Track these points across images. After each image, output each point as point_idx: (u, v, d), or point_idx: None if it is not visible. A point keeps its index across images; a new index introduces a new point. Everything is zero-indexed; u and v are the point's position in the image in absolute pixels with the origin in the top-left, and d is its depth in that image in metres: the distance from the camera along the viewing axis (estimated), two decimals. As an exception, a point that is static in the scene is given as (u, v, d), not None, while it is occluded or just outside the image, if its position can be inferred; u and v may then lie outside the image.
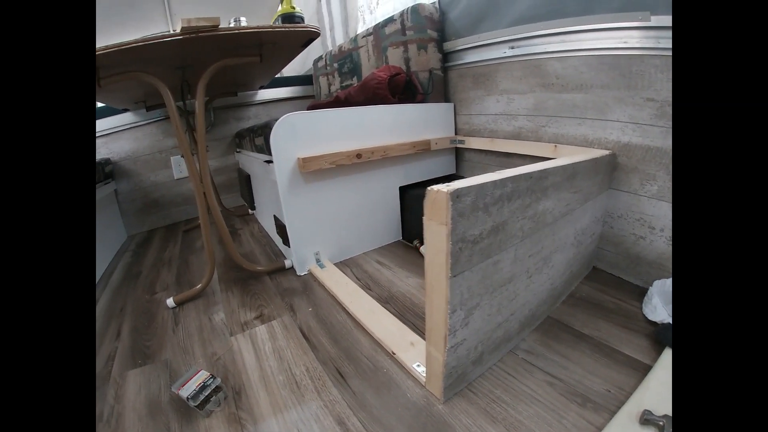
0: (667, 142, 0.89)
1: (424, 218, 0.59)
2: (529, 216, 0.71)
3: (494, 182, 0.60)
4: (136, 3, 1.98)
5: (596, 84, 0.99)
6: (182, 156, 1.16)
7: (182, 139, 1.04)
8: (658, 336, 0.79)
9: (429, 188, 0.56)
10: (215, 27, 0.85)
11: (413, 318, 0.96)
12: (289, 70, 1.89)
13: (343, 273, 1.21)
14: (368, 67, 1.63)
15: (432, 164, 1.49)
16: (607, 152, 0.96)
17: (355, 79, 1.76)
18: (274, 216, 1.42)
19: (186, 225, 2.07)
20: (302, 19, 1.27)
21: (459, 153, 1.57)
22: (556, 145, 1.10)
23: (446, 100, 1.49)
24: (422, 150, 1.36)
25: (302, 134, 1.14)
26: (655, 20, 0.85)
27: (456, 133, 1.52)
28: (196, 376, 0.71)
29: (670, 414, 0.59)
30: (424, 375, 0.74)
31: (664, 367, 0.70)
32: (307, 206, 1.21)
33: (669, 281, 0.87)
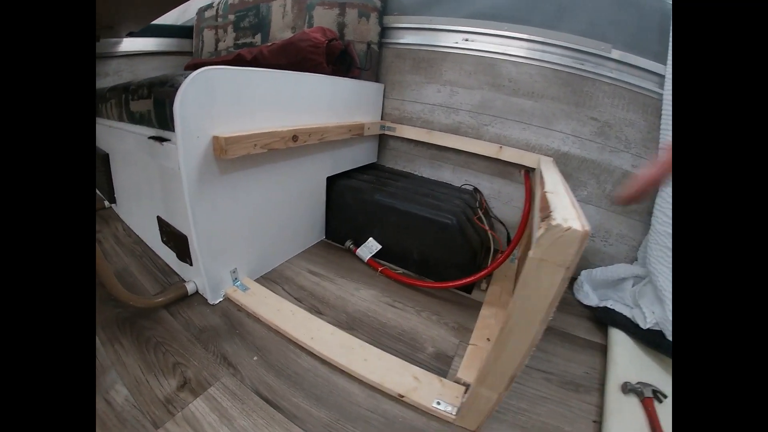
0: (601, 157, 1.05)
1: (533, 255, 0.47)
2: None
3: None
4: None
5: (547, 95, 1.07)
6: None
7: None
8: (598, 318, 0.97)
9: (553, 223, 0.44)
10: None
11: (392, 342, 0.82)
12: (163, 18, 1.36)
13: (276, 294, 0.92)
14: (281, 26, 1.26)
15: (358, 152, 1.30)
16: (551, 159, 1.05)
17: (258, 37, 1.33)
18: (159, 219, 0.94)
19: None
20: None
21: (382, 140, 1.43)
22: (501, 147, 1.13)
23: (377, 79, 1.31)
24: (356, 135, 1.16)
25: (223, 101, 0.77)
26: (614, 54, 0.97)
27: (382, 118, 1.37)
28: None
29: (642, 380, 0.75)
30: (452, 412, 0.66)
31: (616, 343, 0.87)
32: (223, 207, 0.84)
33: (594, 270, 1.05)
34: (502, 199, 1.21)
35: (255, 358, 0.74)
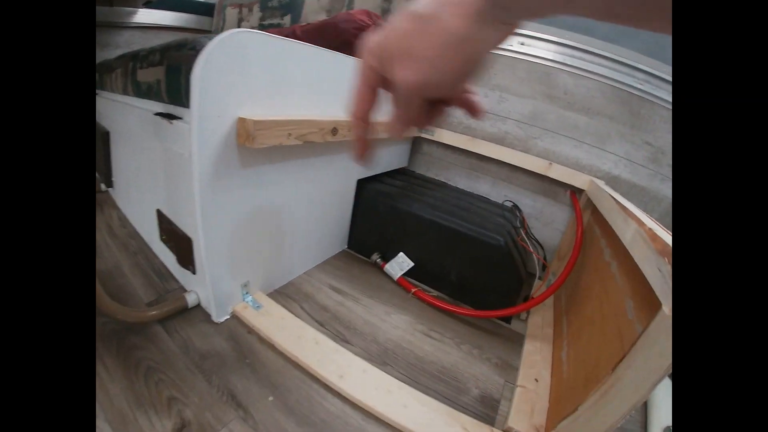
0: (651, 184, 0.98)
1: (667, 308, 0.38)
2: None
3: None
4: None
5: (604, 112, 0.98)
6: None
7: None
8: None
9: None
10: None
11: (432, 382, 0.70)
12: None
13: (294, 314, 0.77)
14: (315, 8, 1.12)
15: (391, 154, 1.18)
16: (602, 182, 0.96)
17: (287, 18, 1.19)
18: (159, 213, 0.78)
19: None
20: None
21: (415, 143, 1.31)
22: (551, 163, 1.03)
23: (415, 76, 1.18)
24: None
25: (254, 75, 0.62)
26: (676, 77, 0.90)
27: (417, 119, 1.24)
28: None
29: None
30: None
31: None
32: (240, 207, 0.69)
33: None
34: (543, 220, 1.11)
35: (270, 398, 0.60)
